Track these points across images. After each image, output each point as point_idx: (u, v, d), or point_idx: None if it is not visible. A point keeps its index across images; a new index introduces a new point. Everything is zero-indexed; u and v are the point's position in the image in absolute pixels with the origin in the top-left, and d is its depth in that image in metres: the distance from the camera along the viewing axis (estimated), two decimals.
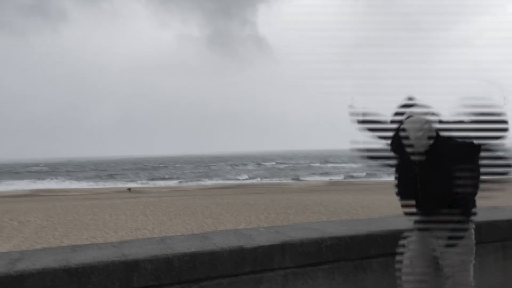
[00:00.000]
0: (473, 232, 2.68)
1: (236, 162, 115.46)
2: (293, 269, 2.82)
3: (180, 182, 53.67)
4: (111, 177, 67.21)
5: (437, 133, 2.54)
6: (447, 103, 2.81)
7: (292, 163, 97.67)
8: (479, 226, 3.39)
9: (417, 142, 2.47)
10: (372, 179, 48.87)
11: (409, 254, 2.73)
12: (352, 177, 54.30)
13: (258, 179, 54.90)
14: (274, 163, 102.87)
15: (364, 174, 55.20)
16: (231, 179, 56.87)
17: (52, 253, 2.51)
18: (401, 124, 2.56)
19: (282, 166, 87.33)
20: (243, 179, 55.84)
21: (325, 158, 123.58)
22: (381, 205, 15.64)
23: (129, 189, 40.10)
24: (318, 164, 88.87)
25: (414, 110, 2.63)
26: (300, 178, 55.15)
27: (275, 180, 52.12)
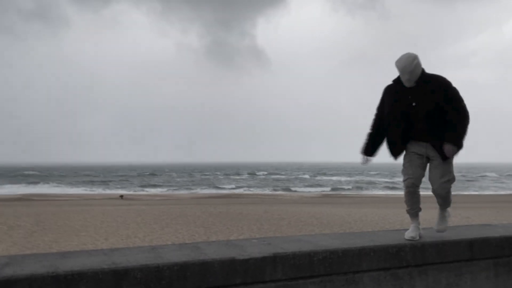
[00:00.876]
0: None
1: (230, 171, 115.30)
2: (285, 281, 2.80)
3: (173, 190, 53.41)
4: (103, 183, 66.76)
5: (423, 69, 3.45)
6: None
7: (284, 174, 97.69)
8: (471, 243, 3.40)
9: (411, 71, 3.36)
10: (364, 192, 48.98)
11: (407, 161, 3.52)
12: (339, 189, 54.71)
13: (246, 189, 54.97)
14: (266, 173, 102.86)
15: (350, 187, 56.30)
16: (223, 188, 56.72)
17: (40, 259, 2.48)
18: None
19: (275, 176, 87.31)
20: (231, 188, 55.90)
21: (318, 170, 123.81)
22: (374, 219, 15.63)
23: (121, 196, 39.83)
24: (307, 176, 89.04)
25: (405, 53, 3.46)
26: (292, 189, 55.21)
27: (267, 191, 52.04)
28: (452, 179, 3.45)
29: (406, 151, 3.53)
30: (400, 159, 3.57)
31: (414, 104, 3.41)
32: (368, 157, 3.66)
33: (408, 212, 3.60)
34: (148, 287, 2.42)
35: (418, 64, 3.39)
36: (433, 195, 3.55)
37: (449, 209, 3.65)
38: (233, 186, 60.88)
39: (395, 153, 3.56)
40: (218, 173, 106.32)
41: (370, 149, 3.65)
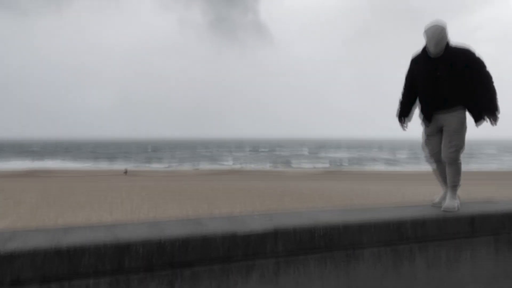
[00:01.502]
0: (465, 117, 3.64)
1: (233, 147, 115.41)
2: (285, 257, 2.82)
3: (177, 166, 53.67)
4: (107, 158, 67.14)
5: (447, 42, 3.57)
6: None
7: (287, 150, 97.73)
8: (472, 219, 3.41)
9: (437, 42, 3.50)
10: (366, 168, 49.09)
11: (426, 137, 3.84)
12: (341, 165, 54.97)
13: (248, 164, 55.18)
14: (269, 149, 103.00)
15: (352, 163, 56.82)
16: (226, 163, 56.91)
17: (43, 234, 2.50)
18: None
19: (277, 152, 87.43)
20: (234, 164, 56.13)
21: (320, 146, 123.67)
22: (376, 194, 15.72)
23: (125, 171, 40.11)
24: (309, 152, 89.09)
25: (434, 22, 3.59)
26: (294, 164, 55.40)
27: (270, 166, 52.23)
28: (459, 147, 3.60)
29: (428, 123, 3.77)
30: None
31: (438, 74, 3.59)
32: (404, 124, 3.91)
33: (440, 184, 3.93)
34: (150, 262, 2.45)
35: (445, 35, 3.53)
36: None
37: (458, 194, 3.72)
38: (236, 161, 61.10)
39: (424, 120, 3.79)
40: (221, 148, 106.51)
41: (403, 116, 3.89)
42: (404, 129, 3.94)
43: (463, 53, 3.56)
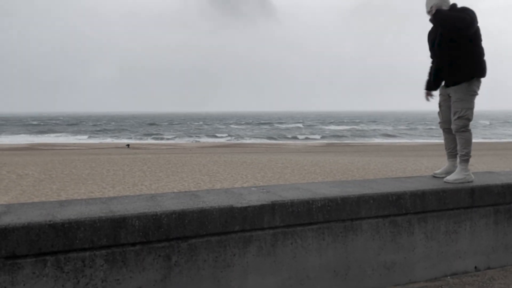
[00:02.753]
0: (471, 84, 3.57)
1: (235, 120, 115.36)
2: (282, 228, 2.81)
3: (178, 139, 53.79)
4: (109, 132, 67.27)
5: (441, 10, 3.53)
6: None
7: (289, 123, 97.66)
8: (472, 191, 3.38)
9: (429, 11, 3.59)
10: (367, 140, 49.12)
11: (439, 105, 3.87)
12: (342, 137, 55.31)
13: (250, 138, 55.38)
14: (270, 122, 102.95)
15: (353, 136, 57.40)
16: (228, 137, 57.00)
17: (38, 208, 2.48)
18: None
19: (279, 125, 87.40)
20: (235, 137, 56.28)
21: (322, 119, 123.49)
22: (376, 167, 15.72)
23: (128, 145, 40.19)
24: (311, 125, 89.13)
25: None
26: (296, 138, 55.50)
27: (271, 140, 52.28)
28: (463, 117, 3.57)
29: (434, 91, 3.88)
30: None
31: (436, 42, 3.67)
32: (429, 93, 3.94)
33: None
34: (146, 235, 2.44)
35: (437, 4, 3.53)
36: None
37: (468, 168, 3.67)
38: (238, 135, 61.15)
39: (430, 88, 3.89)
40: (223, 122, 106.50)
41: (429, 86, 3.92)
42: (426, 100, 3.95)
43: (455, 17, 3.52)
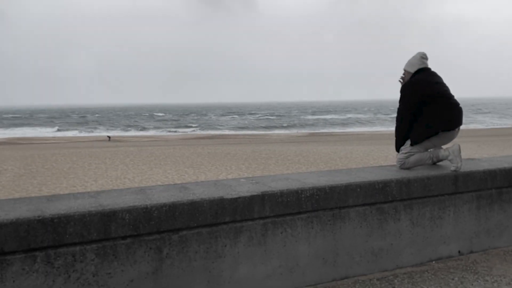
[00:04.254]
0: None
1: (218, 112, 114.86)
2: (272, 218, 2.84)
3: (161, 131, 53.31)
4: (90, 125, 66.20)
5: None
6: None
7: (270, 114, 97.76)
8: (456, 177, 3.46)
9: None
10: (349, 130, 49.63)
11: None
12: (325, 127, 55.82)
13: (233, 129, 55.19)
14: (252, 113, 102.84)
15: (335, 125, 57.99)
16: (211, 128, 56.76)
17: (26, 203, 2.44)
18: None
19: (260, 117, 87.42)
20: (218, 129, 56.06)
21: (303, 109, 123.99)
22: (359, 155, 15.91)
23: (109, 138, 39.67)
24: (293, 116, 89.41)
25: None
26: (278, 128, 55.65)
27: (254, 131, 52.29)
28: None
29: None
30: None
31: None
32: None
33: None
34: (137, 228, 2.43)
35: (410, 64, 3.75)
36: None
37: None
38: (221, 126, 60.94)
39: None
40: (205, 113, 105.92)
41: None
42: None
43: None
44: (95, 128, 61.19)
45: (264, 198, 2.79)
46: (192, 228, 2.60)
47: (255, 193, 2.78)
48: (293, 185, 2.99)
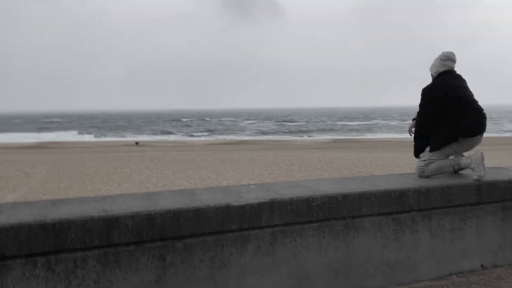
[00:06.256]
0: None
1: (243, 118, 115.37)
2: (281, 227, 2.74)
3: (187, 137, 53.87)
4: (119, 131, 67.63)
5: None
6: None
7: (296, 120, 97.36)
8: (479, 187, 3.28)
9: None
10: (375, 136, 48.81)
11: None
12: (350, 133, 55.10)
13: (257, 135, 55.16)
14: (276, 119, 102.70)
15: (361, 131, 57.11)
16: (236, 134, 56.96)
17: (30, 207, 2.44)
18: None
19: (286, 123, 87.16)
20: (243, 134, 56.15)
21: (329, 115, 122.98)
22: (384, 163, 15.54)
23: (137, 143, 40.30)
24: (319, 121, 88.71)
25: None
26: (303, 134, 55.34)
27: (278, 136, 52.15)
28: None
29: None
30: None
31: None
32: None
33: None
34: (140, 235, 2.38)
35: (434, 63, 3.64)
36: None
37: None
38: (246, 131, 61.12)
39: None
40: (230, 119, 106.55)
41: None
42: None
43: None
44: (124, 133, 62.40)
45: (272, 206, 2.70)
46: (197, 235, 2.53)
47: (263, 201, 2.69)
48: (304, 192, 2.89)
